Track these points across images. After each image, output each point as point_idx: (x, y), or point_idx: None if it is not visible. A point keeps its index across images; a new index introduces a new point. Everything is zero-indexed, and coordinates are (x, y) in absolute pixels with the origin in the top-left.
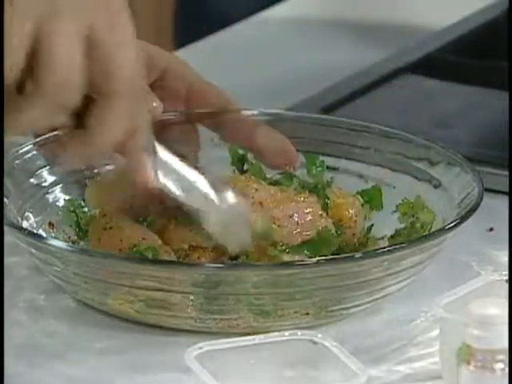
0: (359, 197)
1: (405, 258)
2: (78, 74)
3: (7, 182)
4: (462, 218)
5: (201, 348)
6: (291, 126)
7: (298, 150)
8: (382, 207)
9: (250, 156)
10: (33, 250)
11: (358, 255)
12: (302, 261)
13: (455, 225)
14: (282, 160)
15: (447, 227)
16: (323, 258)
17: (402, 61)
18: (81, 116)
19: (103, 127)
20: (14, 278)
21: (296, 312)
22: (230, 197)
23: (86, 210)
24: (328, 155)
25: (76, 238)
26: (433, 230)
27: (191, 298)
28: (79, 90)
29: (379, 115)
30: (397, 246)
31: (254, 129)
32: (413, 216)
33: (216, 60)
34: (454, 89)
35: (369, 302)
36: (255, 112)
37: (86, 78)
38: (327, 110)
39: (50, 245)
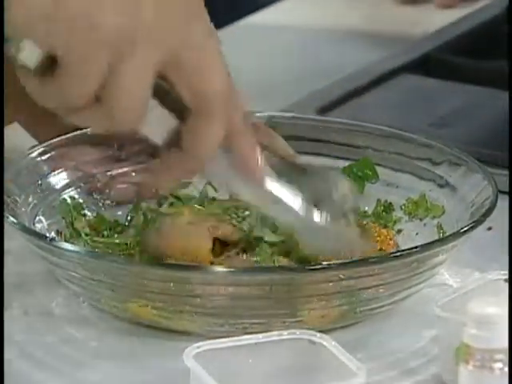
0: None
1: (424, 259)
2: (142, 104)
3: (15, 186)
4: (480, 220)
5: (199, 347)
6: (289, 127)
7: (297, 152)
8: (377, 177)
9: None
10: (51, 257)
11: (376, 258)
12: (328, 263)
13: (476, 225)
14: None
15: (468, 227)
16: (348, 260)
17: (400, 60)
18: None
19: (201, 146)
20: (26, 284)
21: (322, 317)
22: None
23: (87, 212)
24: (326, 156)
25: (69, 235)
26: (447, 229)
27: (219, 303)
28: (142, 116)
29: (377, 115)
30: (417, 249)
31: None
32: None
33: None
34: (452, 88)
35: (391, 304)
36: (254, 114)
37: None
38: (324, 109)
39: (74, 251)
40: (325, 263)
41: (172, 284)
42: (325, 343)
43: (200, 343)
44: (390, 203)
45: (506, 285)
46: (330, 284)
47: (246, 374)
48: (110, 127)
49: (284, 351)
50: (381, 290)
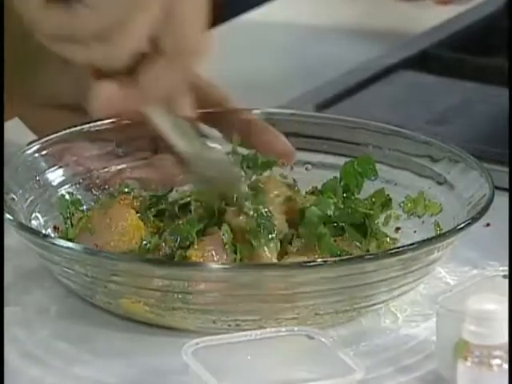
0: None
1: (420, 256)
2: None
3: (13, 183)
4: (475, 217)
5: (197, 344)
6: (288, 124)
7: (296, 148)
8: (376, 174)
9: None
10: (46, 253)
11: (372, 255)
12: (323, 261)
13: (471, 222)
14: (279, 157)
15: (463, 225)
16: (341, 257)
17: (398, 57)
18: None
19: (157, 84)
20: (21, 279)
21: (317, 314)
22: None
23: (84, 208)
24: (326, 153)
25: (65, 230)
26: (444, 227)
27: (211, 299)
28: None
29: (375, 111)
30: (413, 246)
31: (251, 126)
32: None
33: (211, 58)
34: (450, 85)
35: (388, 300)
36: (252, 110)
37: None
38: (323, 106)
39: (67, 248)
40: (320, 260)
41: (164, 281)
42: (323, 339)
43: (198, 339)
44: (390, 198)
45: (505, 281)
46: (326, 281)
47: (244, 371)
48: (101, 62)
49: (282, 347)
50: (377, 287)
